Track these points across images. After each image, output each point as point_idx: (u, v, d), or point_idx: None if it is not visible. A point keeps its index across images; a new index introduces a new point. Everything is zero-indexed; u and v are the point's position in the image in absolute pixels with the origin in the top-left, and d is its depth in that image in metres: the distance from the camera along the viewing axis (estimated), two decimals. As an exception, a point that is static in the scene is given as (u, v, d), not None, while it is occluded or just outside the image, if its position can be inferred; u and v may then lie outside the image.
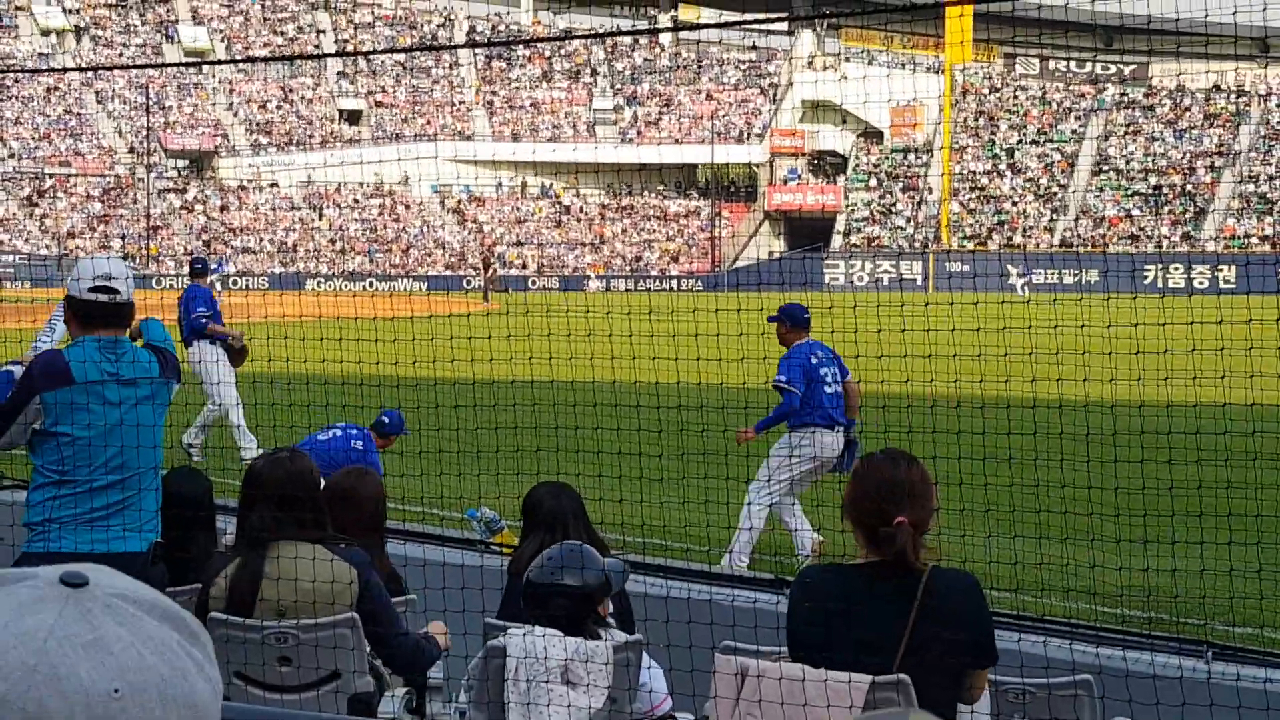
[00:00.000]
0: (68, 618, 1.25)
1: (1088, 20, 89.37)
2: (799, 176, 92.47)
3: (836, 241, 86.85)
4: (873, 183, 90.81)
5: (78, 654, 1.24)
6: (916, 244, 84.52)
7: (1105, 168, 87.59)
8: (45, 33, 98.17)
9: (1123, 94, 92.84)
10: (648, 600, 6.89)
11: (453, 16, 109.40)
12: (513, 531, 9.62)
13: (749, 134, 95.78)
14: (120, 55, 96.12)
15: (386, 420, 12.12)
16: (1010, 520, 7.21)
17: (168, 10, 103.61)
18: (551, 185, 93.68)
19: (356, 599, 5.57)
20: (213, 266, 19.70)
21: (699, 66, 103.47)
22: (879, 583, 4.52)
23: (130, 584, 1.29)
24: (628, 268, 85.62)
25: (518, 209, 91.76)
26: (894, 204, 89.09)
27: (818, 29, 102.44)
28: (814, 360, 11.36)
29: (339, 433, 11.58)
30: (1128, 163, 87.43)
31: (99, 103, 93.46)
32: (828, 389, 11.39)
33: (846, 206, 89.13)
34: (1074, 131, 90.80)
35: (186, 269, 19.14)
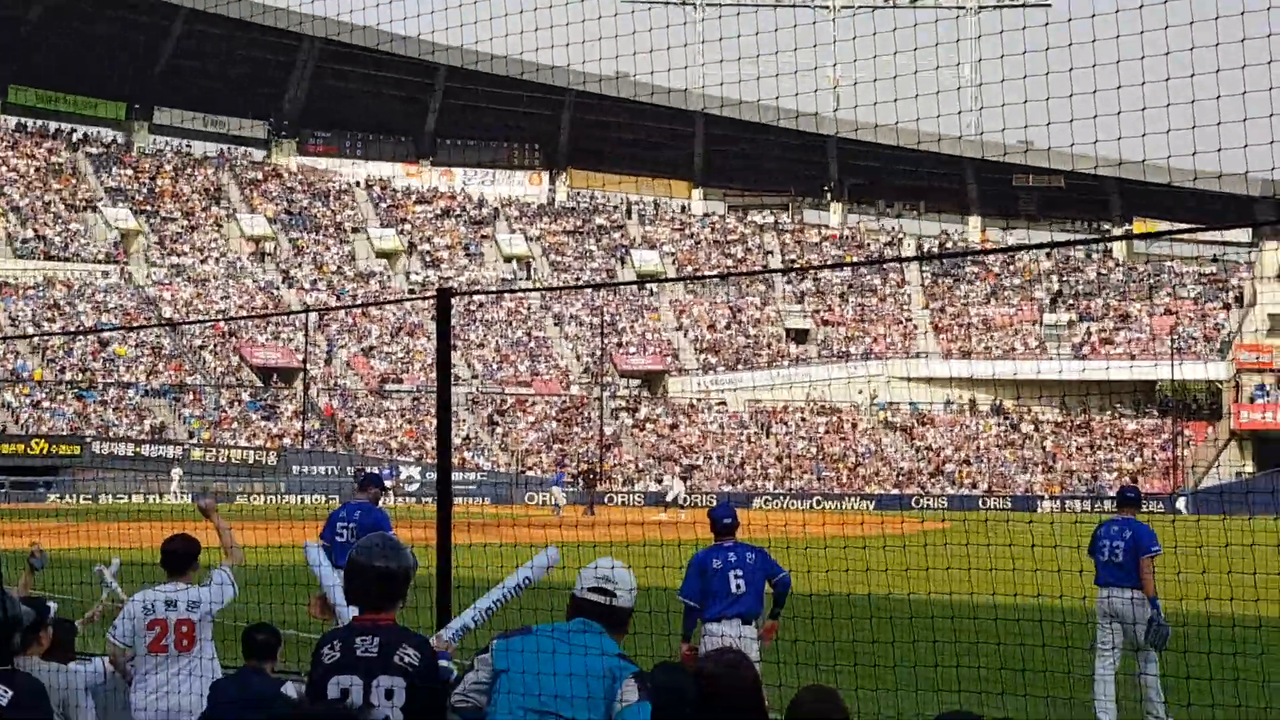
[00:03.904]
0: None
1: None
2: (1267, 393, 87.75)
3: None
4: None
5: None
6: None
7: None
8: (508, 259, 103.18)
9: None
10: None
11: (900, 235, 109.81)
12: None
13: (1211, 349, 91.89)
14: (576, 279, 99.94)
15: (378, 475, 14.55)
16: None
17: (621, 235, 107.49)
18: (1001, 402, 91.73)
19: None
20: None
21: (1156, 280, 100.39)
22: None
23: None
24: (1083, 488, 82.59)
25: (967, 427, 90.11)
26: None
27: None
28: (715, 564, 12.44)
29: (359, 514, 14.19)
30: None
31: (556, 325, 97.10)
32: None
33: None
34: None
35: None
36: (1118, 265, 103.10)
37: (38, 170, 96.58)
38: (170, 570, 9.62)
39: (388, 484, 69.99)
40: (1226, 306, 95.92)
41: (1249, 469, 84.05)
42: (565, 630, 6.09)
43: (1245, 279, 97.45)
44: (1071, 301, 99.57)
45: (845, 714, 5.68)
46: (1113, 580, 14.18)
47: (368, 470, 17.79)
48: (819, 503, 77.17)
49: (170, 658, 9.38)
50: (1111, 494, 78.83)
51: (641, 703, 5.85)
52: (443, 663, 6.77)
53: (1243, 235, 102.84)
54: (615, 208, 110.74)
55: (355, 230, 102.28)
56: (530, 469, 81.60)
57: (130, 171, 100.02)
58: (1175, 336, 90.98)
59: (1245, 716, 8.85)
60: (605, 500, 73.38)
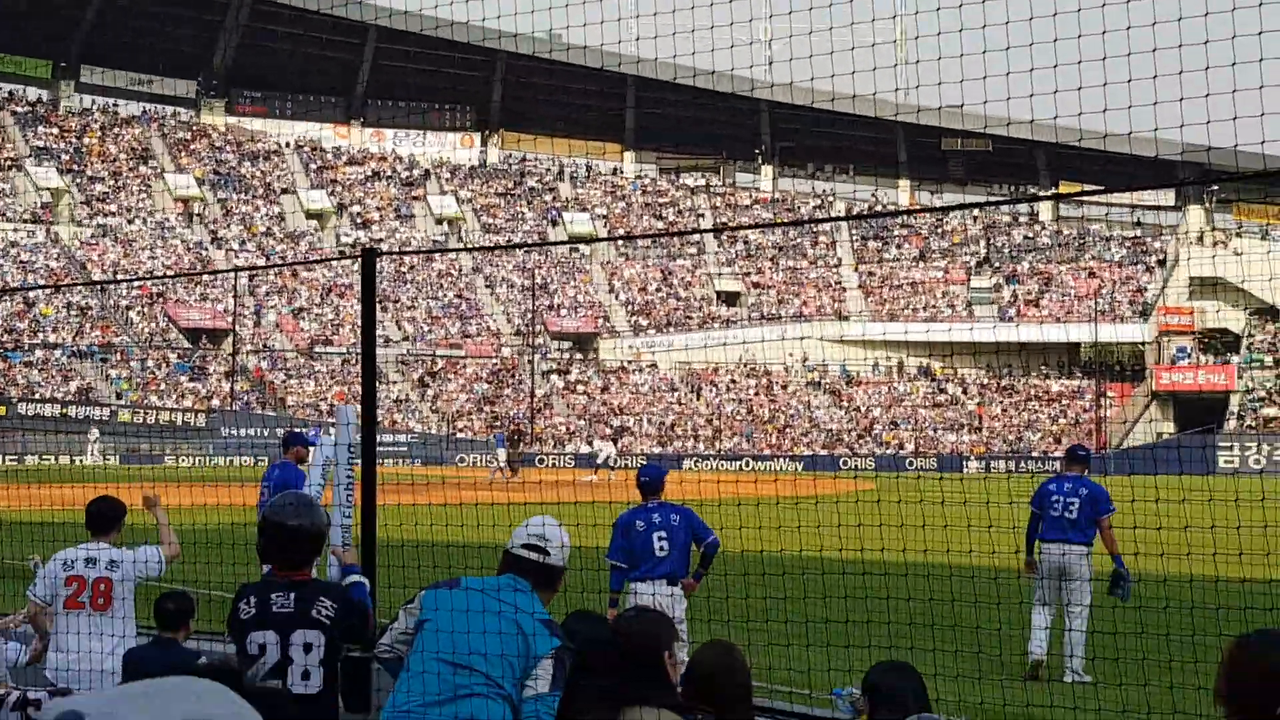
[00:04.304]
0: None
1: None
2: (1189, 355, 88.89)
3: (1230, 423, 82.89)
4: (1269, 361, 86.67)
5: None
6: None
7: None
8: (439, 221, 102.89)
9: None
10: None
11: (829, 198, 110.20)
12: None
13: (1135, 312, 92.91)
14: (508, 241, 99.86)
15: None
16: None
17: (553, 198, 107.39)
18: (929, 365, 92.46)
19: None
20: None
21: (1081, 244, 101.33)
22: None
23: None
24: (1008, 449, 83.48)
25: (895, 389, 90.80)
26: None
27: (1207, 204, 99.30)
28: (638, 525, 12.31)
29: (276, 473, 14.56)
30: None
31: (488, 287, 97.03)
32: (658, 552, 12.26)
33: (1240, 386, 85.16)
34: None
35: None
36: (1043, 229, 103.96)
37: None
38: (94, 530, 9.71)
39: (313, 443, 69.94)
40: (1150, 270, 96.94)
41: (1169, 429, 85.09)
42: (494, 586, 6.03)
43: (1168, 241, 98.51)
44: (998, 265, 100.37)
45: (745, 667, 5.91)
46: (1060, 536, 14.33)
47: (292, 430, 17.87)
48: (748, 464, 77.63)
49: (86, 615, 9.41)
50: (1035, 454, 79.96)
51: (554, 693, 5.81)
52: (354, 577, 6.84)
53: (1167, 199, 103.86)
54: (547, 170, 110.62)
55: (285, 191, 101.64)
56: (461, 431, 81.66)
57: (56, 130, 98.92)
58: (1099, 299, 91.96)
59: (1149, 670, 9.17)
60: (536, 462, 73.57)
